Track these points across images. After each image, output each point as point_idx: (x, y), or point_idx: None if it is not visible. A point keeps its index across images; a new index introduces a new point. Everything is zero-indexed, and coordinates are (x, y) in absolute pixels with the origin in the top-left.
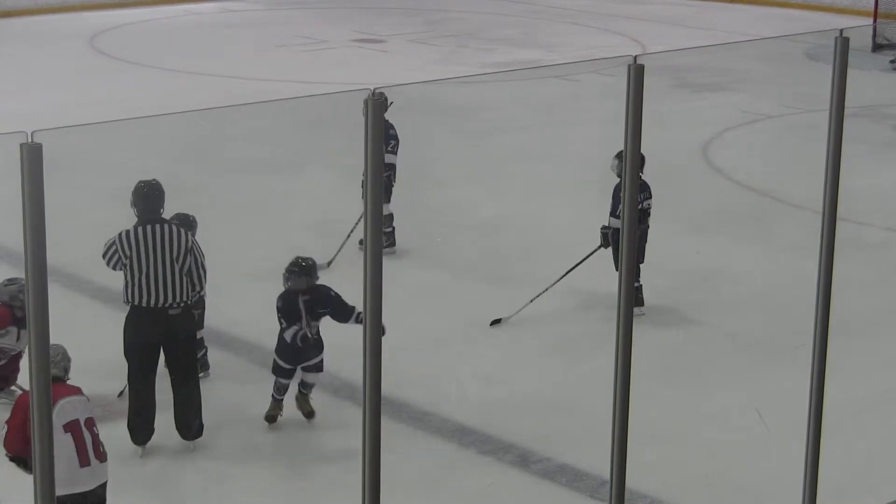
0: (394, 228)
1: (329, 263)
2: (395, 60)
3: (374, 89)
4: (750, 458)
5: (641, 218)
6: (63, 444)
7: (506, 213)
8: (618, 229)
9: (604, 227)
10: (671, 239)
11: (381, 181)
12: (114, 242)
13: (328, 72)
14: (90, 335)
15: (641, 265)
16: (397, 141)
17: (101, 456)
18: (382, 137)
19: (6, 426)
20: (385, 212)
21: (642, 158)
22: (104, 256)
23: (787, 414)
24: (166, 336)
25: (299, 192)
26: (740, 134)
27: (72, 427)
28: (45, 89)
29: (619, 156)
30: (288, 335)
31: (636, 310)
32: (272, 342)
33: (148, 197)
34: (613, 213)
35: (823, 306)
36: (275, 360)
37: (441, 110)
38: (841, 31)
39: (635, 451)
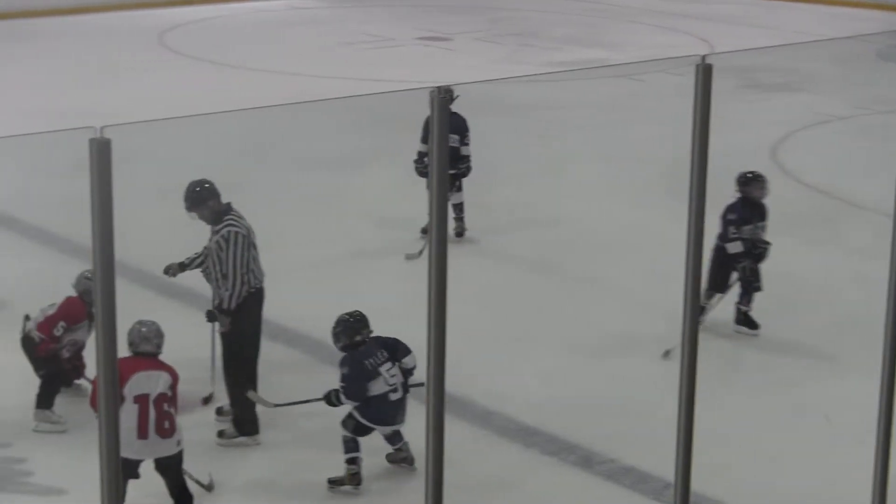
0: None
1: (420, 252)
2: (459, 59)
3: (439, 87)
4: (816, 463)
5: (755, 243)
6: (129, 413)
7: (569, 212)
8: (722, 247)
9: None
10: None
11: (446, 177)
12: (236, 234)
13: (393, 69)
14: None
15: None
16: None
17: (165, 432)
18: (447, 133)
19: (93, 385)
20: (457, 200)
21: (763, 180)
22: (232, 246)
23: (856, 418)
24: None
25: (363, 187)
26: (810, 135)
27: (140, 400)
28: (114, 85)
29: (740, 180)
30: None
31: (750, 331)
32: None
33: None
34: (722, 239)
35: (894, 310)
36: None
37: (505, 109)
38: None
39: (700, 454)
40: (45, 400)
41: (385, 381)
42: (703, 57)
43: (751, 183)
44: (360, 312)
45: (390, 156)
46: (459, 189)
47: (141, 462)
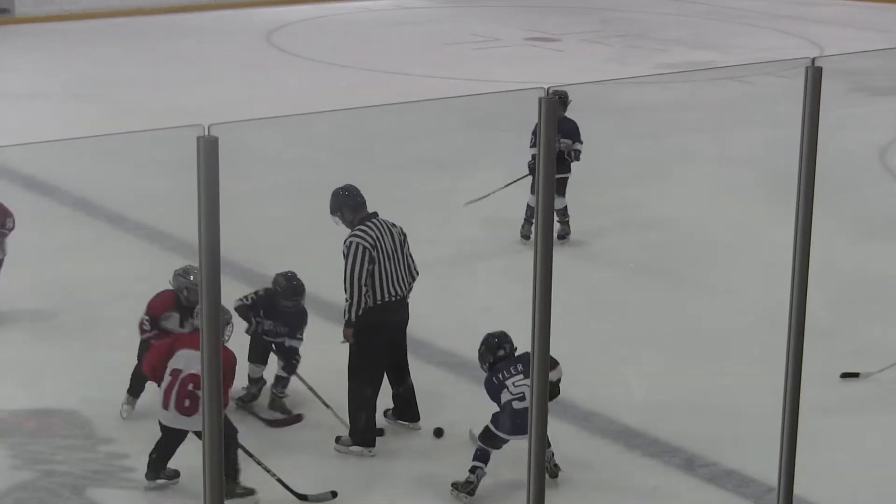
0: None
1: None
2: (567, 59)
3: (549, 88)
4: None
5: None
6: (165, 383)
7: (676, 214)
8: None
9: None
10: (845, 246)
11: (552, 180)
12: (357, 245)
13: (499, 70)
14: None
15: None
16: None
17: (185, 410)
18: (555, 136)
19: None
20: (560, 205)
21: None
22: (350, 257)
23: None
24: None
25: (469, 188)
26: None
27: (174, 374)
28: (221, 84)
29: None
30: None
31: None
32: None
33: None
34: None
35: None
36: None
37: (612, 110)
38: None
39: (804, 458)
40: (132, 388)
41: (509, 390)
42: (813, 60)
43: None
44: (502, 332)
45: (498, 156)
46: (562, 194)
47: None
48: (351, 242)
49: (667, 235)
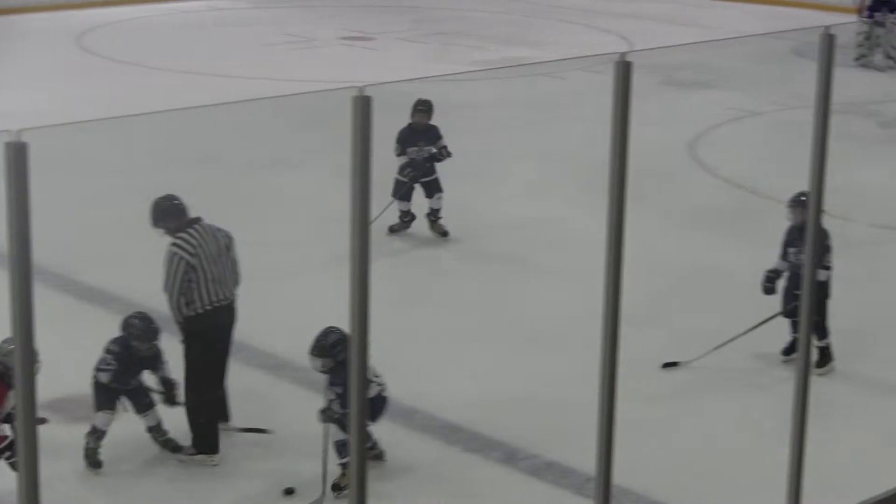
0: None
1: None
2: (382, 58)
3: (363, 87)
4: (737, 455)
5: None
6: None
7: (496, 211)
8: (780, 272)
9: (768, 272)
10: (658, 237)
11: (368, 180)
12: (173, 255)
13: (315, 70)
14: (73, 334)
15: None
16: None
17: None
18: (370, 136)
19: None
20: (437, 205)
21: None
22: (167, 266)
23: (779, 413)
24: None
25: (289, 188)
26: (727, 131)
27: None
28: (31, 88)
29: (793, 202)
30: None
31: (824, 369)
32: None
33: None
34: (783, 257)
35: (809, 302)
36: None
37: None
38: (827, 28)
39: (622, 447)
40: None
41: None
42: (623, 55)
43: None
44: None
45: (317, 156)
46: (430, 195)
47: None
48: (169, 252)
49: (489, 231)
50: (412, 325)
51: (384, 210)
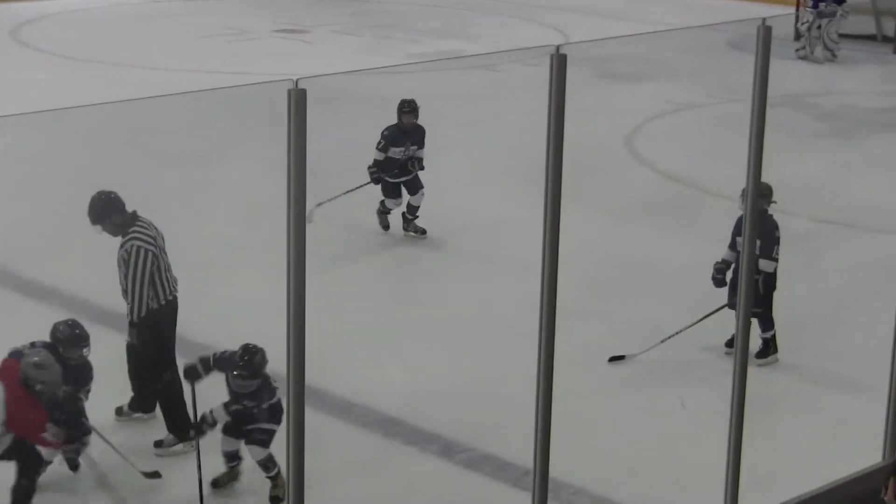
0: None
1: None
2: (317, 51)
3: (297, 80)
4: (674, 448)
5: (764, 255)
6: None
7: (433, 205)
8: (730, 263)
9: (717, 263)
10: (594, 230)
11: (304, 174)
12: (139, 248)
13: (250, 62)
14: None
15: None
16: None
17: None
18: (305, 129)
19: None
20: (417, 202)
21: (769, 189)
22: (133, 260)
23: (713, 404)
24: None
25: (225, 182)
26: (664, 124)
27: None
28: None
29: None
30: None
31: (766, 360)
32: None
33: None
34: (732, 247)
35: (747, 295)
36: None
37: (364, 101)
38: (763, 20)
39: (560, 441)
40: None
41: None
42: (558, 47)
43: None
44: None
45: (252, 149)
46: (413, 192)
47: None
48: (133, 246)
49: (427, 224)
50: (350, 320)
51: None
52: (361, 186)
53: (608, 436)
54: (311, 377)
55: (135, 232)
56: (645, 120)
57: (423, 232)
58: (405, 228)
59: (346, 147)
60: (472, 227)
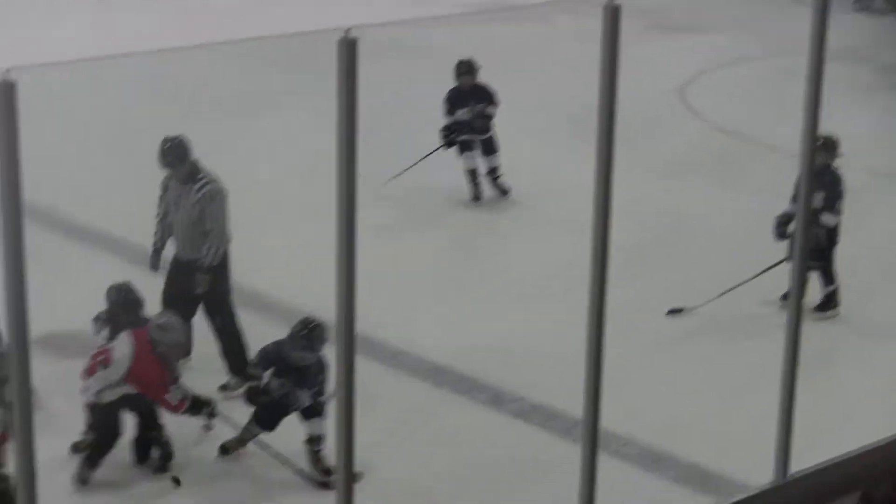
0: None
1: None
2: (365, 1)
3: (348, 30)
4: (728, 401)
5: (828, 209)
6: None
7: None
8: (792, 216)
9: (779, 216)
10: (646, 182)
11: (354, 124)
12: (220, 192)
13: (299, 13)
14: (64, 272)
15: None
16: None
17: None
18: (356, 79)
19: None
20: (495, 163)
21: (835, 142)
22: (217, 203)
23: (770, 358)
24: None
25: (273, 131)
26: (718, 76)
27: None
28: (19, 28)
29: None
30: None
31: (828, 312)
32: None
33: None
34: (795, 200)
35: (801, 251)
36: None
37: (409, 53)
38: None
39: (611, 392)
40: None
41: None
42: None
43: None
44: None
45: (300, 100)
46: (488, 154)
47: None
48: (214, 188)
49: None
50: (402, 272)
51: (406, 170)
52: (434, 151)
53: (661, 388)
54: (363, 325)
55: (207, 176)
56: (699, 72)
57: (506, 191)
58: (492, 187)
59: (391, 100)
60: (523, 182)
